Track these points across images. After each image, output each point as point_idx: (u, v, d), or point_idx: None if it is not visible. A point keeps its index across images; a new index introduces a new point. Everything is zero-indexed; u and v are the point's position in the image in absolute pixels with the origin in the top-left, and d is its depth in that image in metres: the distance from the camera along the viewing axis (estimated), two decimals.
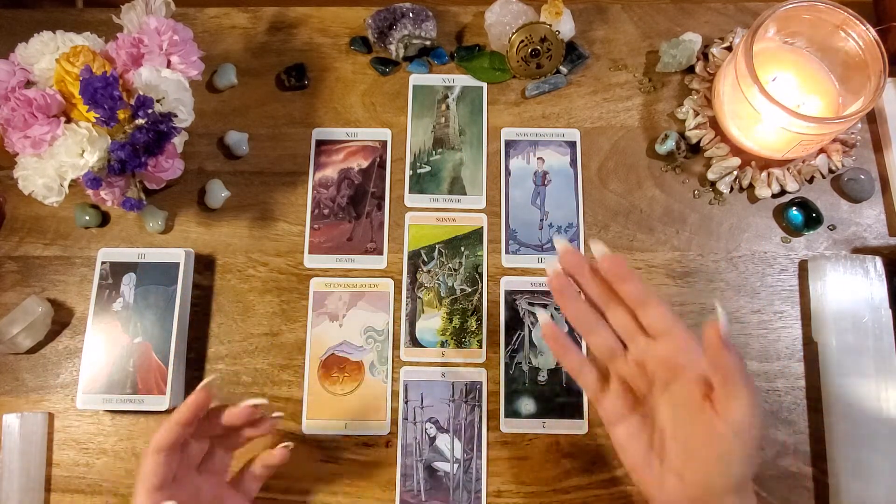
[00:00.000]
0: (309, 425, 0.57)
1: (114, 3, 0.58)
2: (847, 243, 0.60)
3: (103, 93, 0.49)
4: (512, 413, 0.57)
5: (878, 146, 0.63)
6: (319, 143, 0.64)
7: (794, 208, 0.60)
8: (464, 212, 0.62)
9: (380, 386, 0.58)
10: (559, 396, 0.57)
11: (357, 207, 0.62)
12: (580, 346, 0.44)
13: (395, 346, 0.58)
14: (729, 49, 0.63)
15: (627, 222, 0.61)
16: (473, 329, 0.59)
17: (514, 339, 0.58)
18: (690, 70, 0.65)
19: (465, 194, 0.62)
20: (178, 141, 0.58)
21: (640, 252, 0.60)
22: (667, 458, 0.41)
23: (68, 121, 0.54)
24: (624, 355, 0.44)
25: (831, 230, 0.61)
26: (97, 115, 0.50)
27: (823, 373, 0.56)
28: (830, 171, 0.61)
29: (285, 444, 0.50)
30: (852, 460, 0.53)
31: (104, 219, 0.62)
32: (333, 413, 0.57)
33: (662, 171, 0.63)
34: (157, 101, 0.53)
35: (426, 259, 0.60)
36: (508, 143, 0.63)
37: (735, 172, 0.61)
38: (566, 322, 0.51)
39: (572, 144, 0.63)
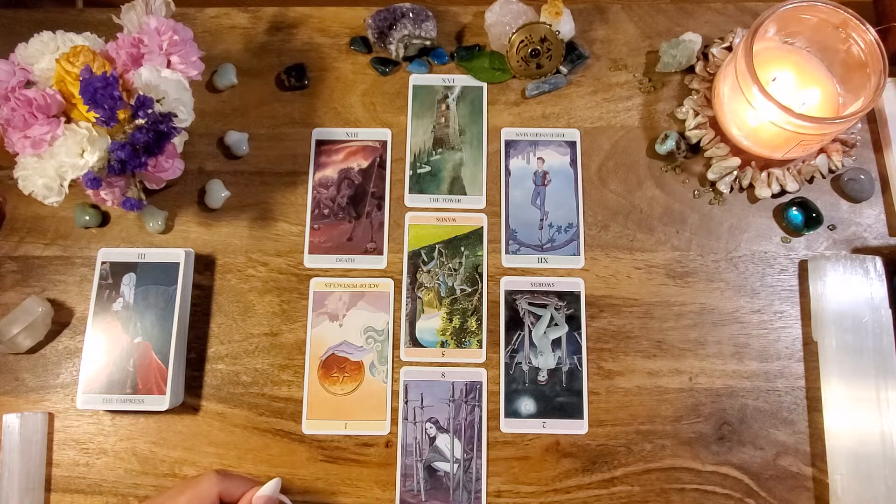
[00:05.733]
0: (309, 425, 0.57)
1: (114, 3, 0.58)
2: (847, 243, 0.60)
3: (103, 93, 0.49)
4: (512, 413, 0.57)
5: (878, 146, 0.63)
6: (319, 143, 0.64)
7: (794, 208, 0.60)
8: (464, 212, 0.62)
9: (380, 386, 0.58)
10: (559, 396, 0.57)
11: (357, 207, 0.62)
12: None
13: (395, 346, 0.58)
14: (729, 49, 0.63)
15: (627, 222, 0.61)
16: (473, 329, 0.59)
17: (514, 339, 0.58)
18: (690, 70, 0.65)
19: (465, 194, 0.62)
20: (178, 141, 0.58)
21: (640, 252, 0.60)
22: None
23: (68, 121, 0.54)
24: None
25: (831, 230, 0.61)
26: (97, 115, 0.50)
27: (823, 373, 0.56)
28: (830, 171, 0.61)
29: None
30: (852, 460, 0.53)
31: (104, 219, 0.62)
32: (333, 413, 0.57)
33: (662, 171, 0.63)
34: (157, 101, 0.53)
35: (426, 259, 0.60)
36: (508, 143, 0.63)
37: (735, 172, 0.61)
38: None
39: (572, 144, 0.63)
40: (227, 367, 0.58)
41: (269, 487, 0.49)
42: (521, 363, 0.58)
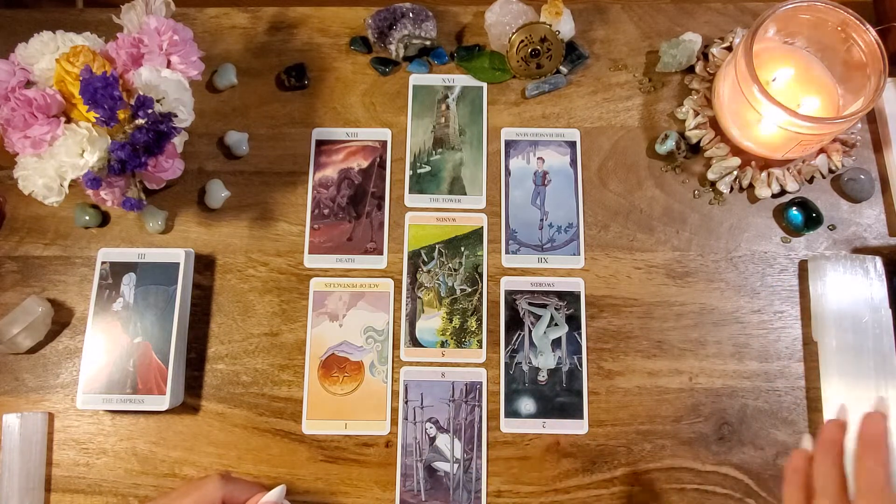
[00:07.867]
0: (309, 425, 0.57)
1: (114, 3, 0.58)
2: (847, 243, 0.60)
3: (103, 93, 0.49)
4: (512, 413, 0.57)
5: (878, 146, 0.63)
6: (319, 143, 0.64)
7: (794, 208, 0.60)
8: (464, 212, 0.62)
9: (380, 386, 0.58)
10: (559, 396, 0.57)
11: (357, 207, 0.62)
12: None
13: (395, 346, 0.58)
14: (729, 49, 0.63)
15: (627, 222, 0.61)
16: (473, 329, 0.59)
17: (514, 339, 0.58)
18: (690, 70, 0.65)
19: (465, 194, 0.62)
20: (178, 141, 0.58)
21: (640, 252, 0.60)
22: None
23: (68, 121, 0.54)
24: None
25: (831, 230, 0.61)
26: (97, 115, 0.50)
27: (823, 373, 0.56)
28: (830, 171, 0.61)
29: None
30: (852, 460, 0.53)
31: (104, 219, 0.62)
32: (333, 413, 0.57)
33: (662, 171, 0.63)
34: (157, 101, 0.53)
35: (426, 259, 0.60)
36: (508, 143, 0.63)
37: (735, 172, 0.61)
38: None
39: (572, 144, 0.63)
40: (227, 367, 0.58)
41: (275, 494, 0.49)
42: (521, 363, 0.58)
